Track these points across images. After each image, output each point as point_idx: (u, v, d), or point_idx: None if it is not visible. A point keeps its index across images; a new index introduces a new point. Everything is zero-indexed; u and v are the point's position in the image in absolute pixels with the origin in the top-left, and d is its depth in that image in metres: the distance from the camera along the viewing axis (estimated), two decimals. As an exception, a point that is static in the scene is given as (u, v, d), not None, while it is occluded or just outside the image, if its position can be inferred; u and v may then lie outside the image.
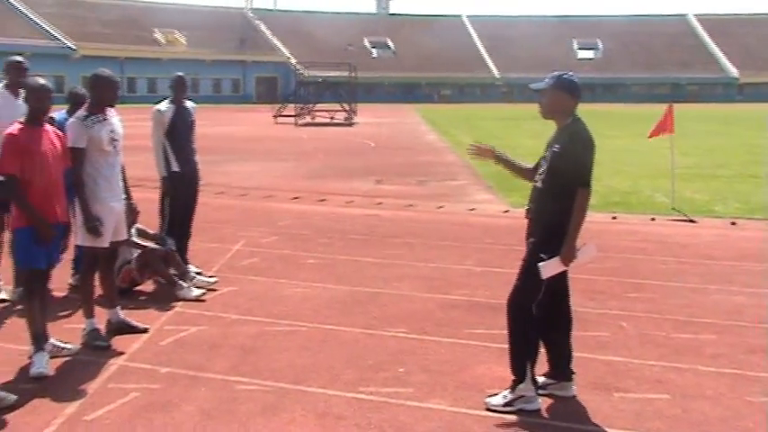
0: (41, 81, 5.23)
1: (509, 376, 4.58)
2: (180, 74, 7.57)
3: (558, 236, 4.39)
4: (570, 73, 4.64)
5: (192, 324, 6.09)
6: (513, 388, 4.54)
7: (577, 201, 4.36)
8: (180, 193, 7.47)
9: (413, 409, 4.52)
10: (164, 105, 7.42)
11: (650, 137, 12.19)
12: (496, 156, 4.89)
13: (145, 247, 7.04)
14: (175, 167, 7.39)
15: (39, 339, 5.11)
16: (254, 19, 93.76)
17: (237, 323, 6.14)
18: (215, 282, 7.24)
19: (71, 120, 5.62)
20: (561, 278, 4.62)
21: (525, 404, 4.50)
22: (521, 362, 4.54)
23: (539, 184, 4.58)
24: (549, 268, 4.41)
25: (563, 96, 4.52)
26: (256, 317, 6.31)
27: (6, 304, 6.57)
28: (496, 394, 4.59)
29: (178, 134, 7.37)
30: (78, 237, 5.62)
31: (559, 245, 4.39)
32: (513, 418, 4.41)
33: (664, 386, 4.90)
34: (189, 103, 7.56)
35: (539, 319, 4.53)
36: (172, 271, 7.02)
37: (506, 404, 4.52)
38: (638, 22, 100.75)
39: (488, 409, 4.52)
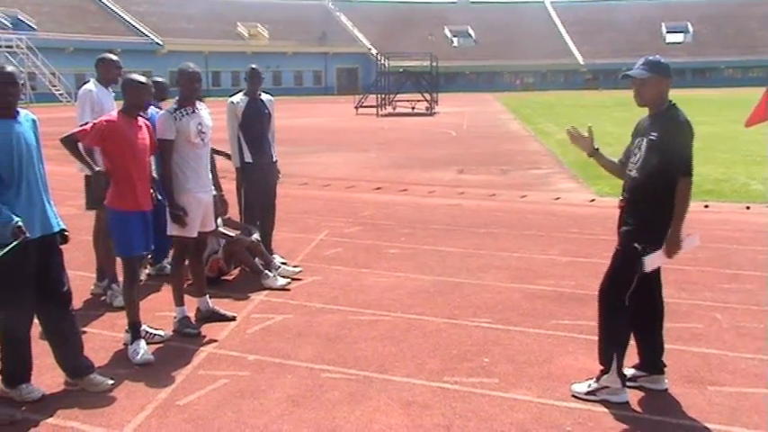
0: (143, 78, 5.40)
1: (596, 368, 4.50)
2: (253, 66, 7.59)
3: (652, 226, 4.24)
4: (657, 56, 4.48)
5: (278, 313, 6.18)
6: (598, 378, 4.47)
7: (680, 190, 4.17)
8: (254, 184, 7.57)
9: (498, 399, 4.47)
10: (237, 97, 7.53)
11: (747, 125, 11.64)
12: (592, 148, 4.75)
13: (231, 237, 7.18)
14: (248, 158, 7.49)
15: (137, 327, 5.28)
16: (334, 10, 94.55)
17: (322, 312, 6.20)
18: (300, 271, 7.33)
19: (161, 112, 5.77)
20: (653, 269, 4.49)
21: (609, 395, 4.41)
22: (608, 352, 4.46)
23: (633, 173, 4.39)
24: (652, 261, 4.27)
25: (660, 80, 4.33)
26: (340, 306, 6.36)
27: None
28: (583, 382, 4.54)
29: (251, 126, 7.45)
30: (167, 226, 5.77)
31: (654, 235, 4.23)
32: (601, 410, 4.31)
33: (761, 380, 4.70)
34: (265, 96, 7.62)
35: (631, 311, 4.42)
36: (257, 261, 7.14)
37: (589, 393, 4.46)
38: (730, 2, 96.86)
39: (573, 396, 4.48)
